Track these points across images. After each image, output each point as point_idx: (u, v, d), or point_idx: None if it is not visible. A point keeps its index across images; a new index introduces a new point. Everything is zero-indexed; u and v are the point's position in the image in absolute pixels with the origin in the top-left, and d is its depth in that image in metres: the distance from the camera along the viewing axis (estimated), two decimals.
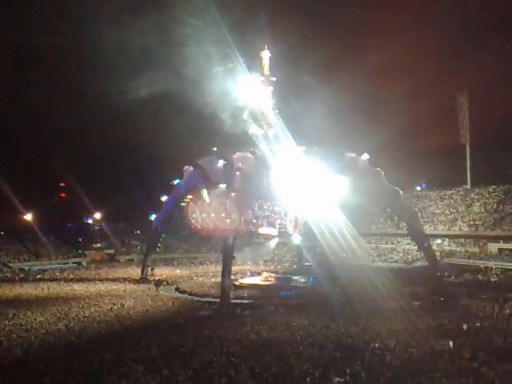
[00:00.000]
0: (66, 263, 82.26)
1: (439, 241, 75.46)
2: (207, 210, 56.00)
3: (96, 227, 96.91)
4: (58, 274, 69.03)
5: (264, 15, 59.90)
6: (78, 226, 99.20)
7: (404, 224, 63.09)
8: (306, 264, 66.66)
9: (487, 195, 79.50)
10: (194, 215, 58.23)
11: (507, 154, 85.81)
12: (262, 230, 56.91)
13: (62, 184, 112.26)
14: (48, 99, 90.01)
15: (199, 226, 58.70)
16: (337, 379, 20.62)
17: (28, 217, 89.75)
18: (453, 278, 56.90)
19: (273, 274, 62.23)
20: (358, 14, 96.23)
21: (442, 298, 43.40)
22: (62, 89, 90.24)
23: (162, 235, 67.18)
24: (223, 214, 52.11)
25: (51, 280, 62.94)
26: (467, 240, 73.75)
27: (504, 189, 78.67)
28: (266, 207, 55.93)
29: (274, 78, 58.60)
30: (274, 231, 56.42)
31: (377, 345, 26.29)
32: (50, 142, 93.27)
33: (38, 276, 67.56)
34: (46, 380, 21.52)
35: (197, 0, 58.48)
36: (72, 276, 67.03)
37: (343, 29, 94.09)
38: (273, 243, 63.53)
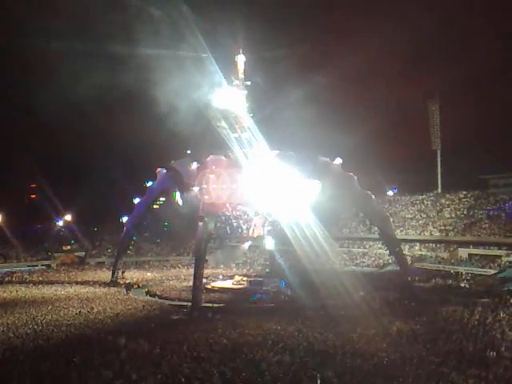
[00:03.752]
0: (35, 265, 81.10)
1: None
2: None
3: (65, 229, 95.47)
4: (27, 277, 68.09)
5: (239, 19, 59.76)
6: (48, 227, 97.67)
7: (376, 228, 63.47)
8: (279, 268, 66.63)
9: (458, 201, 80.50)
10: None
11: (477, 160, 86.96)
12: None
13: (32, 185, 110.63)
14: (18, 98, 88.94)
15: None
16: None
17: None
18: (423, 282, 57.33)
19: (245, 278, 62.00)
20: (330, 20, 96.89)
21: (412, 303, 43.63)
22: (34, 88, 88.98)
23: (134, 238, 66.67)
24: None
25: (20, 282, 62.20)
26: (438, 245, 74.50)
27: (474, 194, 79.78)
28: None
29: (249, 82, 58.58)
30: None
31: (348, 350, 26.35)
32: (21, 142, 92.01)
33: (7, 278, 66.55)
34: None
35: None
36: (41, 279, 66.27)
37: (316, 34, 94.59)
38: (245, 246, 63.46)
